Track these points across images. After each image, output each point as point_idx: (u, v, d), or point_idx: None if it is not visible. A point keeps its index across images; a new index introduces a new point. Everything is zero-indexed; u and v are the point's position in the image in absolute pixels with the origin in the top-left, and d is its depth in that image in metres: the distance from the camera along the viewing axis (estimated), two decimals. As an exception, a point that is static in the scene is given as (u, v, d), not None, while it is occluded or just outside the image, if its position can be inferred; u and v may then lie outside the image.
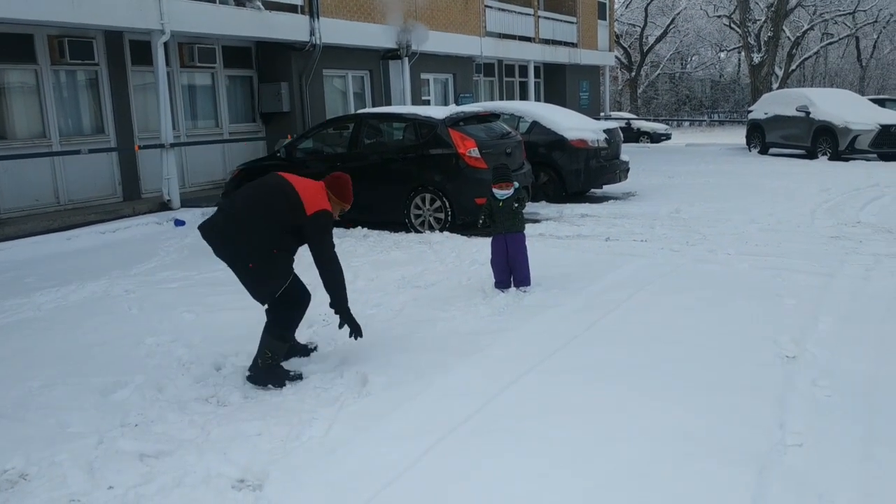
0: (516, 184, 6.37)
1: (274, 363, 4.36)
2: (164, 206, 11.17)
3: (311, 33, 13.70)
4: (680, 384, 4.04)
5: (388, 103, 16.21)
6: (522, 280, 6.25)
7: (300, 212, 4.26)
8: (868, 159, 16.88)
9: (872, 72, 40.65)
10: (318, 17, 13.76)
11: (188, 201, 11.52)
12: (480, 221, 6.47)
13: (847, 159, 16.78)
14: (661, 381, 4.09)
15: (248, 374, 4.37)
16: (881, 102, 22.83)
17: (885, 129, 16.58)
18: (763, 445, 3.30)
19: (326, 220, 4.38)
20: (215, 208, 4.82)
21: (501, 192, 6.22)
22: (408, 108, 10.74)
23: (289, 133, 13.23)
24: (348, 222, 9.38)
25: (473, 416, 3.68)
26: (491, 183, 6.29)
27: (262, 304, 4.48)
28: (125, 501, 3.05)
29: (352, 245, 8.38)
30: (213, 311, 5.81)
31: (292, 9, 13.41)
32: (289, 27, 13.29)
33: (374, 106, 15.91)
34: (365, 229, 9.23)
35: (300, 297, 4.54)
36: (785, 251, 7.33)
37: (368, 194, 9.41)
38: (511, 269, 6.26)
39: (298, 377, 4.38)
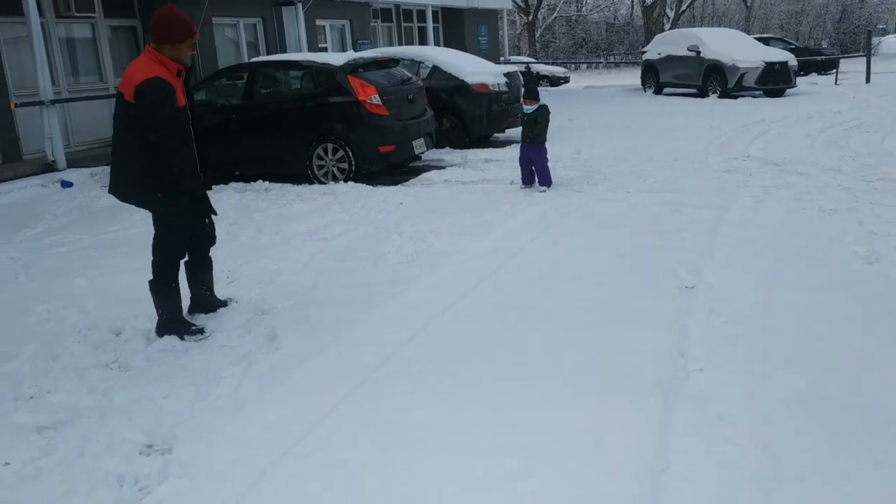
0: (543, 103, 7.74)
1: (169, 318, 4.18)
2: (49, 167, 10.49)
3: (197, -22, 13.01)
4: (587, 319, 4.14)
5: (284, 52, 15.67)
6: (543, 181, 7.67)
7: (127, 103, 3.71)
8: (755, 96, 17.58)
9: (757, 11, 42.04)
10: (203, -38, 13.07)
11: (75, 161, 10.86)
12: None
13: (736, 96, 17.42)
14: (568, 317, 4.18)
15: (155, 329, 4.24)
16: (765, 41, 23.79)
17: (770, 67, 17.27)
18: (667, 373, 3.43)
19: (151, 91, 3.66)
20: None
21: (527, 107, 7.68)
22: (304, 56, 10.40)
23: (180, 85, 12.62)
24: (249, 176, 9.10)
25: (386, 363, 3.67)
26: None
27: (173, 224, 4.09)
28: (23, 476, 2.89)
29: (252, 199, 8.13)
30: (108, 274, 5.54)
31: (175, -48, 12.67)
32: (172, -28, 12.57)
33: (268, 55, 15.35)
34: (266, 182, 8.98)
35: (180, 237, 4.16)
36: (681, 187, 7.58)
37: (268, 146, 9.14)
38: (535, 173, 7.70)
39: (200, 331, 4.23)
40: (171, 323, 4.20)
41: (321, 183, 8.89)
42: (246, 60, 14.61)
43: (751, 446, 2.81)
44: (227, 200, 8.04)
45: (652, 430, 2.96)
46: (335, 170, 8.94)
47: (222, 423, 3.17)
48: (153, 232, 4.20)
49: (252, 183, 8.97)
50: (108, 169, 10.07)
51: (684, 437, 2.91)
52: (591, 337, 3.90)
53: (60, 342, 4.22)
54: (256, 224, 6.93)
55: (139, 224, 7.17)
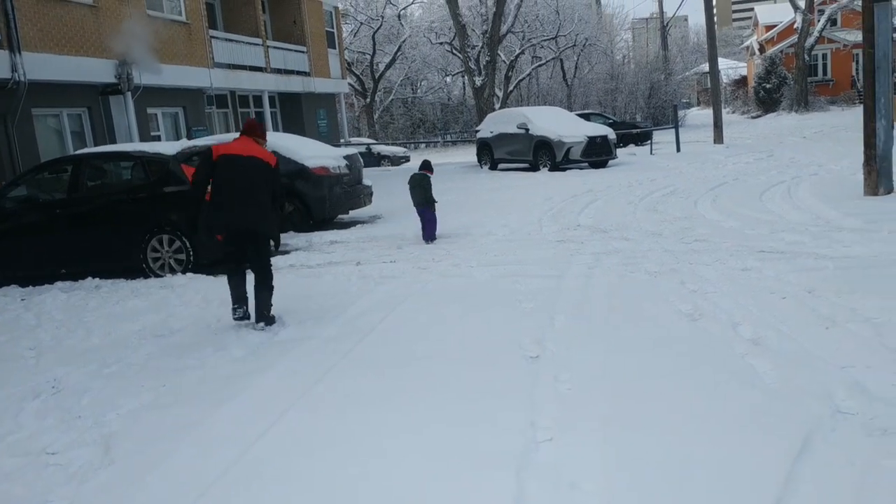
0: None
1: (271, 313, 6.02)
2: None
3: (14, 69, 12.35)
4: (440, 397, 4.15)
5: (113, 142, 15.07)
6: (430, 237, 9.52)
7: (271, 168, 5.99)
8: (581, 168, 18.81)
9: (577, 89, 45.26)
10: (19, 52, 12.45)
11: None
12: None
13: (564, 169, 18.55)
14: (421, 396, 4.18)
15: (259, 324, 5.90)
16: (587, 117, 25.69)
17: (592, 140, 18.60)
18: (518, 445, 3.49)
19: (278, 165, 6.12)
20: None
21: (431, 176, 9.90)
22: (134, 145, 10.06)
23: (-5, 181, 11.79)
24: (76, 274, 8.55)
25: (234, 466, 3.48)
26: (426, 170, 9.90)
27: (268, 262, 6.05)
28: None
29: (82, 299, 7.62)
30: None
31: (-14, 42, 11.99)
32: (-16, 63, 11.86)
33: (96, 146, 14.70)
34: (97, 279, 8.46)
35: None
36: (519, 258, 7.89)
37: (97, 241, 8.66)
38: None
39: (279, 320, 5.99)
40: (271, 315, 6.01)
41: (157, 276, 8.50)
42: (71, 151, 13.90)
43: (601, 512, 2.89)
44: (52, 302, 7.50)
45: (508, 506, 2.98)
46: (172, 261, 8.59)
47: (49, 555, 2.87)
48: (264, 261, 6.06)
49: (81, 281, 8.44)
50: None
51: (539, 509, 2.94)
52: (444, 415, 3.91)
53: None
54: (86, 325, 6.48)
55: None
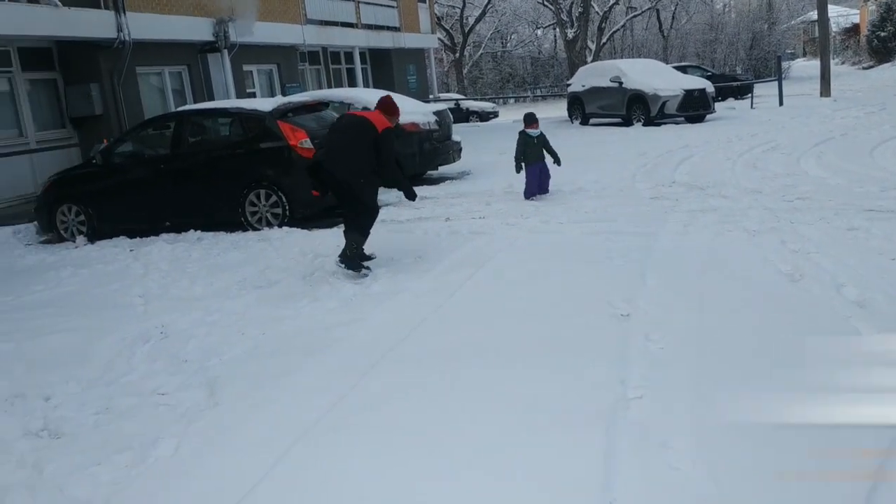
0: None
1: (357, 253, 6.23)
2: (-33, 227, 10.12)
3: (119, 29, 12.84)
4: (528, 353, 4.17)
5: (211, 99, 15.54)
6: (545, 190, 9.20)
7: (374, 131, 6.16)
8: (677, 123, 18.18)
9: (673, 41, 43.61)
10: (124, 12, 12.91)
11: (-5, 220, 10.50)
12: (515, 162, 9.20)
13: (659, 124, 17.97)
14: (510, 352, 4.21)
15: (338, 259, 6.20)
16: (683, 69, 24.67)
17: (689, 94, 17.91)
18: (608, 403, 3.48)
19: (390, 133, 6.31)
20: None
21: (533, 131, 9.10)
22: (232, 102, 10.35)
23: (104, 137, 12.36)
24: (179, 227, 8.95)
25: (328, 414, 3.62)
26: (524, 124, 9.15)
27: (372, 207, 6.38)
28: (-52, 561, 2.74)
29: (185, 250, 7.97)
30: (36, 337, 5.32)
31: (94, 4, 12.49)
32: (92, 24, 12.38)
33: (195, 103, 15.20)
34: (198, 232, 8.81)
35: (376, 210, 6.50)
36: (611, 215, 7.75)
37: (199, 195, 9.02)
38: (540, 185, 9.11)
39: (369, 270, 6.22)
40: (355, 259, 6.21)
41: (255, 229, 8.78)
42: (172, 109, 14.43)
43: (693, 472, 2.86)
44: (158, 253, 7.87)
45: (598, 462, 2.99)
46: (269, 215, 8.85)
47: (161, 488, 3.07)
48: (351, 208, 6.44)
49: (184, 233, 8.81)
50: (30, 226, 9.84)
51: (629, 467, 2.94)
52: (533, 371, 3.93)
53: (-15, 413, 4.03)
54: (189, 275, 6.79)
55: (66, 283, 6.97)
